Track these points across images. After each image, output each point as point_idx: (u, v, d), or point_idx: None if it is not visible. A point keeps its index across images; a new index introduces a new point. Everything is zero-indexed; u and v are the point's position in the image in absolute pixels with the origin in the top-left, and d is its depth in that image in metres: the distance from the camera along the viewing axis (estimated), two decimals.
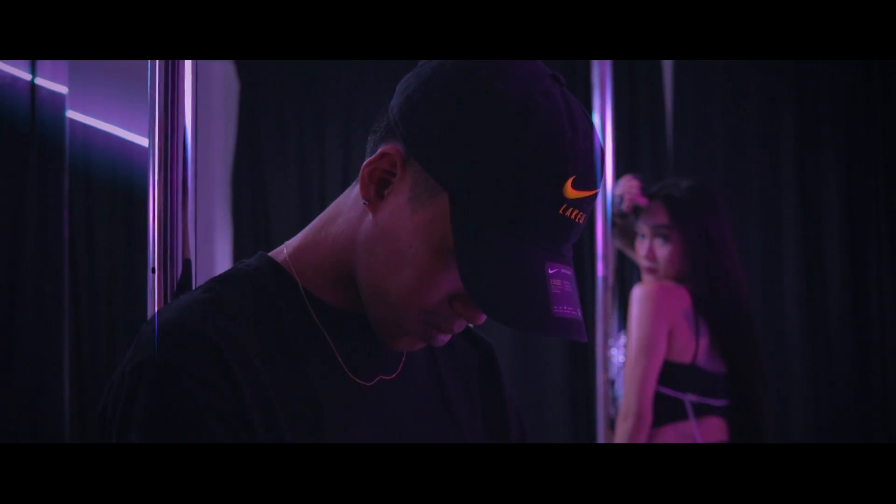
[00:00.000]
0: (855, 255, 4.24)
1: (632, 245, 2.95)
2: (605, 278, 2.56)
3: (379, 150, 1.03)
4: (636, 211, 2.80)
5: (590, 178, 1.00)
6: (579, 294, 1.06)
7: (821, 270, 4.27)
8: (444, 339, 1.07)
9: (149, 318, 1.05)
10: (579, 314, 1.01)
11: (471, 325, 1.26)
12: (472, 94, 0.98)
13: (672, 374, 2.71)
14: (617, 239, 2.97)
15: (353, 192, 1.09)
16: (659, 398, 2.70)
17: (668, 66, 4.47)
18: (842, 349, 4.22)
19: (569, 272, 1.01)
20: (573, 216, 0.99)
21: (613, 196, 2.77)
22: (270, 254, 1.11)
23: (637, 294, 2.74)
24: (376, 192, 1.04)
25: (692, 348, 2.72)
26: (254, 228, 4.63)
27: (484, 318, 1.03)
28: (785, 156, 4.32)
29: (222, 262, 4.64)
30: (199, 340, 0.97)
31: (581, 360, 4.38)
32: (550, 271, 0.99)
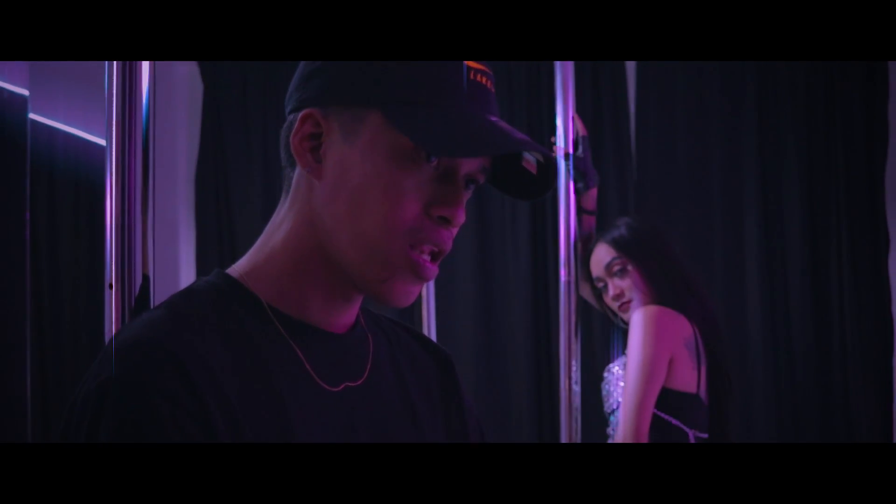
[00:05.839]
0: (816, 256, 4.27)
1: (600, 301, 2.96)
2: (567, 283, 2.56)
3: (298, 119, 1.07)
4: (580, 162, 2.76)
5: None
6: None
7: (782, 271, 4.30)
8: (434, 270, 1.08)
9: (111, 336, 1.04)
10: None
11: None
12: None
13: (679, 404, 2.65)
14: (585, 291, 2.97)
15: (285, 200, 1.12)
16: (666, 427, 2.63)
17: (631, 67, 4.49)
18: (803, 353, 4.25)
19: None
20: (483, 81, 1.07)
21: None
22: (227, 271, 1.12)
23: (637, 317, 2.68)
24: (313, 158, 1.07)
25: (695, 378, 2.67)
26: (217, 228, 4.61)
27: (463, 215, 1.06)
28: (747, 157, 4.34)
29: (186, 261, 4.61)
30: (163, 356, 0.96)
31: (546, 368, 4.38)
32: (492, 119, 1.06)
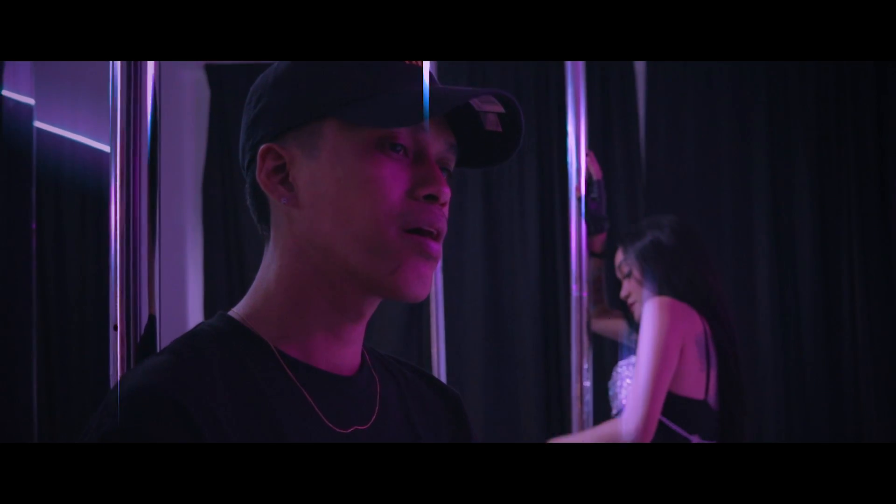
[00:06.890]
0: (826, 259, 4.26)
1: (625, 311, 2.96)
2: (578, 299, 2.56)
3: (258, 158, 1.08)
4: (592, 189, 2.76)
5: None
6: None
7: (792, 274, 4.29)
8: (437, 246, 1.07)
9: (114, 384, 1.02)
10: None
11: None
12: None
13: (684, 411, 2.60)
14: (598, 325, 2.97)
15: (268, 245, 1.12)
16: (667, 431, 2.59)
17: (640, 68, 4.48)
18: (813, 355, 4.24)
19: None
20: (416, 63, 1.09)
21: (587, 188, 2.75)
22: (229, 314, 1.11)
23: (648, 308, 2.65)
24: (285, 188, 1.08)
25: (703, 382, 2.63)
26: (225, 235, 4.61)
27: (448, 190, 1.07)
28: (757, 158, 4.33)
29: (194, 270, 4.61)
30: (167, 406, 0.94)
31: (554, 369, 4.37)
32: (440, 86, 1.08)
